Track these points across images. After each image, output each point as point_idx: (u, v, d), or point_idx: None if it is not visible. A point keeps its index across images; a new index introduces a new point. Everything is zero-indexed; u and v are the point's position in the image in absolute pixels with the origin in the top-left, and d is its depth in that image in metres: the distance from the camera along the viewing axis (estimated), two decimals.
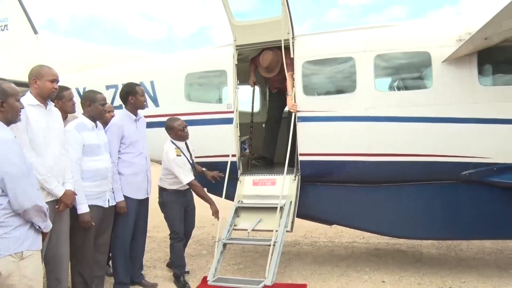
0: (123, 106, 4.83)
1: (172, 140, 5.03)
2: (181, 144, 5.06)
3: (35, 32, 7.04)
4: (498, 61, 4.90)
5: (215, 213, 4.91)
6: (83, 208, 3.98)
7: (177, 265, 5.10)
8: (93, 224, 4.09)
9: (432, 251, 6.23)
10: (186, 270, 5.37)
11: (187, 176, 4.83)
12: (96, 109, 4.24)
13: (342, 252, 6.35)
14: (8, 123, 2.91)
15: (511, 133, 4.64)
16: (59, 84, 3.79)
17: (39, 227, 2.88)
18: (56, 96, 3.89)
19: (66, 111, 4.23)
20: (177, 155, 4.88)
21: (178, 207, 5.01)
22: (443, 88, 4.78)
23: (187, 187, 5.00)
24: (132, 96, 4.71)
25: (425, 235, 5.38)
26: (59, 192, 3.62)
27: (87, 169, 4.07)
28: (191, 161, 5.05)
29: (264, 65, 5.51)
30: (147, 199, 4.90)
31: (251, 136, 6.11)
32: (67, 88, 4.28)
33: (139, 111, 4.85)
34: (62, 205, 3.68)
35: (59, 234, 3.73)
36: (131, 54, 7.41)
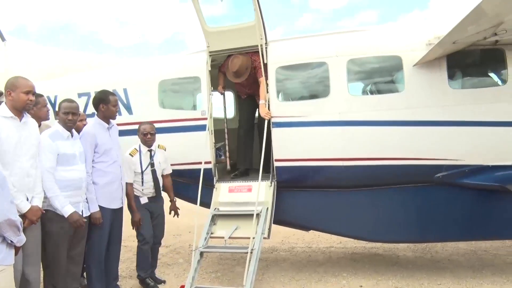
0: (95, 113, 4.73)
1: (140, 143, 5.15)
2: (144, 150, 5.11)
3: (3, 39, 6.85)
4: (467, 64, 5.03)
5: (135, 222, 4.98)
6: (68, 210, 3.93)
7: (141, 267, 5.16)
8: (85, 220, 4.12)
9: (408, 254, 6.29)
10: (162, 279, 5.37)
11: (125, 177, 4.93)
12: (60, 118, 4.14)
13: (320, 257, 6.35)
14: None
15: (482, 135, 4.74)
16: None
17: (12, 241, 2.78)
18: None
19: (40, 118, 4.19)
20: (130, 154, 5.06)
21: (142, 210, 5.09)
22: (414, 91, 4.85)
23: (152, 195, 5.17)
24: (103, 104, 4.60)
25: (401, 238, 5.43)
26: (24, 208, 3.51)
27: (60, 178, 3.95)
28: (144, 169, 5.08)
29: (233, 69, 5.36)
30: (121, 209, 4.79)
31: (227, 142, 6.04)
32: (41, 95, 4.24)
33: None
34: (27, 221, 3.54)
35: (26, 249, 3.58)
36: (104, 60, 7.29)
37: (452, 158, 4.83)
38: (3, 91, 3.67)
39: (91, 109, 5.21)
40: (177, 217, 5.54)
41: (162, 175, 5.35)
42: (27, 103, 3.59)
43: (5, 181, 2.78)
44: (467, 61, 4.96)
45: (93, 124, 4.62)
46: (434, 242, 6.31)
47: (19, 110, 3.58)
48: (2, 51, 6.53)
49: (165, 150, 5.35)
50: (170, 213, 5.50)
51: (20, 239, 2.84)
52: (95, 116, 4.71)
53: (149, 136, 5.09)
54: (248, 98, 5.97)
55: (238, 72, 5.37)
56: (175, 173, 5.40)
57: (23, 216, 3.50)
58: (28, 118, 3.70)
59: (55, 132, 4.05)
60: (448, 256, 6.12)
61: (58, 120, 4.20)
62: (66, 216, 3.92)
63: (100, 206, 4.44)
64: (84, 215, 4.21)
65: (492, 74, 5.12)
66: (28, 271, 3.60)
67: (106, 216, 4.50)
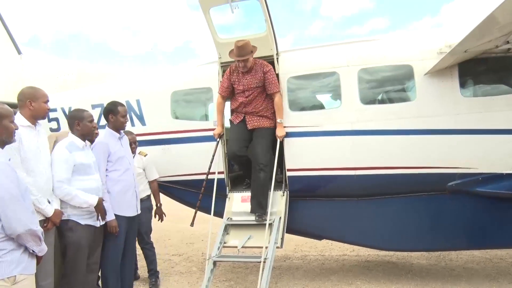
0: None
1: None
2: None
3: (19, 52, 7.00)
4: (478, 72, 5.00)
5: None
6: (94, 199, 4.07)
7: None
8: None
9: (422, 262, 6.25)
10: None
11: None
12: (85, 127, 4.22)
13: (333, 265, 6.34)
14: (3, 144, 2.90)
15: (494, 142, 4.72)
16: None
17: (33, 251, 2.84)
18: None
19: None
20: None
21: None
22: (426, 100, 4.85)
23: None
24: (112, 115, 4.67)
25: (414, 247, 5.40)
26: (50, 212, 3.69)
27: (79, 187, 4.02)
28: None
29: (238, 44, 5.01)
30: (136, 217, 4.81)
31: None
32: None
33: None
34: (51, 223, 3.74)
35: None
36: (116, 70, 7.40)
37: (465, 166, 4.81)
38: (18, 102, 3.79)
39: (104, 120, 5.28)
40: (161, 221, 5.75)
41: (149, 181, 5.58)
42: (47, 112, 3.83)
43: (27, 191, 2.85)
44: (479, 69, 4.94)
45: (105, 135, 4.69)
46: (448, 251, 6.26)
47: (37, 119, 3.74)
48: (18, 64, 6.67)
49: (145, 156, 5.55)
50: (155, 217, 5.71)
51: (41, 248, 2.90)
52: (106, 127, 4.78)
53: (133, 146, 5.33)
54: (240, 124, 5.37)
55: (242, 47, 5.00)
56: (188, 183, 5.45)
57: (46, 219, 3.68)
58: (40, 127, 3.84)
59: (71, 143, 4.12)
60: (463, 264, 6.06)
61: (72, 131, 4.26)
62: (94, 204, 4.04)
63: (115, 215, 4.49)
64: (100, 224, 4.28)
65: (504, 82, 5.09)
66: (41, 277, 3.63)
67: (121, 224, 4.53)
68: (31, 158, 3.57)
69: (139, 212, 4.88)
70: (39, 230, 2.85)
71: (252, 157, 5.21)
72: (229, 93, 5.38)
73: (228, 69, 5.34)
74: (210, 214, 5.14)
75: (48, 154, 3.88)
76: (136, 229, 4.96)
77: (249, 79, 5.21)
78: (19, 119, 3.63)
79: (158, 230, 8.17)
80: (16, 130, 3.02)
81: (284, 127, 5.14)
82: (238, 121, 5.38)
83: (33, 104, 3.69)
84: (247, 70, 5.17)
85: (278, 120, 5.17)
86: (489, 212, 4.93)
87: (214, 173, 5.21)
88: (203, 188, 5.27)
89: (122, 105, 4.79)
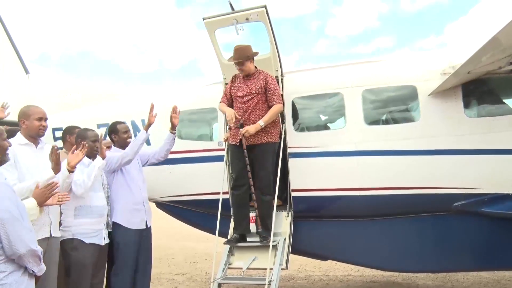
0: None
1: None
2: None
3: (27, 72, 7.09)
4: (482, 93, 5.03)
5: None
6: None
7: None
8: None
9: (428, 283, 6.18)
10: None
11: None
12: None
13: (337, 286, 6.28)
14: None
15: (499, 162, 4.71)
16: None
17: (33, 271, 2.84)
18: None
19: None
20: None
21: None
22: (430, 120, 4.87)
23: None
24: (114, 134, 4.81)
25: (420, 268, 5.35)
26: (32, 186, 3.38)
27: (84, 205, 4.04)
28: None
29: (235, 48, 4.94)
30: (148, 231, 4.73)
31: None
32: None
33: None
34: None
35: (47, 274, 3.64)
36: (122, 90, 7.47)
37: (471, 186, 4.80)
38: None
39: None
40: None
41: None
42: (40, 129, 3.79)
43: (25, 211, 2.85)
44: (483, 89, 4.97)
45: (112, 151, 4.74)
46: (454, 272, 6.19)
47: (33, 137, 3.76)
48: (26, 84, 6.76)
49: None
50: None
51: (41, 268, 2.87)
52: (113, 146, 4.85)
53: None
54: (239, 147, 4.97)
55: (237, 51, 4.92)
56: (192, 203, 5.45)
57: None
58: (44, 145, 3.86)
59: None
60: (470, 285, 5.99)
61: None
62: (102, 166, 4.14)
63: (122, 226, 4.47)
64: (105, 242, 4.24)
65: (508, 102, 5.11)
66: None
67: (130, 237, 4.47)
68: (27, 175, 3.56)
69: (147, 227, 4.73)
70: (39, 249, 2.84)
71: (256, 180, 4.95)
72: (229, 102, 5.15)
73: (231, 78, 5.19)
74: (215, 234, 5.11)
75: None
76: (150, 244, 4.81)
77: (250, 84, 4.99)
78: (18, 137, 3.72)
79: (162, 248, 8.16)
80: (9, 148, 3.02)
81: (289, 147, 5.14)
82: (235, 142, 4.98)
83: (26, 123, 3.75)
84: (244, 74, 4.99)
85: (259, 121, 4.82)
86: (496, 232, 4.89)
87: (218, 193, 5.17)
88: None
89: (120, 122, 4.94)
